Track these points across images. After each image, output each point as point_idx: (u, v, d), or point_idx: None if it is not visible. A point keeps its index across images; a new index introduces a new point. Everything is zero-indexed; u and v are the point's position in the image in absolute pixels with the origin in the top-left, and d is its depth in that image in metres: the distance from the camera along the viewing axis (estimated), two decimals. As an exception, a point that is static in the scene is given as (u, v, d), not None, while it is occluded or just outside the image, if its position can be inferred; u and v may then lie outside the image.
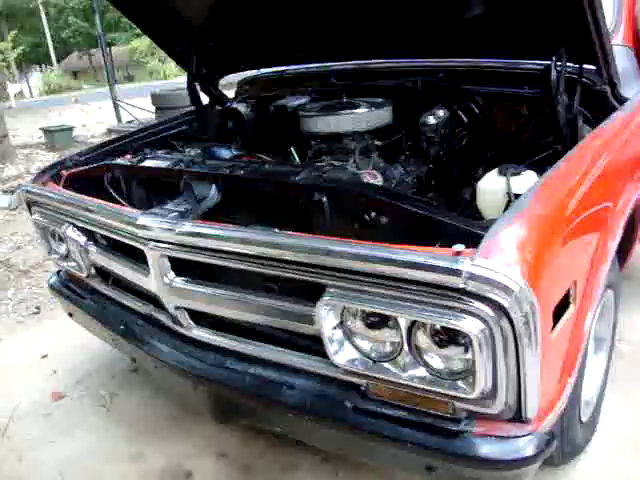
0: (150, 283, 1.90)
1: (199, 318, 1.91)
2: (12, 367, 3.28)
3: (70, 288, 2.57)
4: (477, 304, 1.26)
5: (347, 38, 2.54)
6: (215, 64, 3.02)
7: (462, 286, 1.24)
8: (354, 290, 1.41)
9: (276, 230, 1.53)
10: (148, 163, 2.14)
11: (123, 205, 2.16)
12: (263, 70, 3.31)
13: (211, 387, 1.88)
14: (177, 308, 1.89)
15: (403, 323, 1.41)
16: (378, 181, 1.89)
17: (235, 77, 3.33)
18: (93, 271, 2.33)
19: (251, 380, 1.77)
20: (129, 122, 9.24)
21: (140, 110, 9.27)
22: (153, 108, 8.82)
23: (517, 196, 1.53)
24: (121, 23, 30.55)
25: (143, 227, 1.77)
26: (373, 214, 1.52)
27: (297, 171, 1.72)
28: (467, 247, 1.31)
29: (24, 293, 4.23)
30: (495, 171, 1.68)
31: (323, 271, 1.43)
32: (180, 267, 1.83)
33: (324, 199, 1.58)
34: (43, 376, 3.16)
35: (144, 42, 27.82)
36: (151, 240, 1.77)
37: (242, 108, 3.11)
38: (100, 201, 2.04)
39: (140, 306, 2.13)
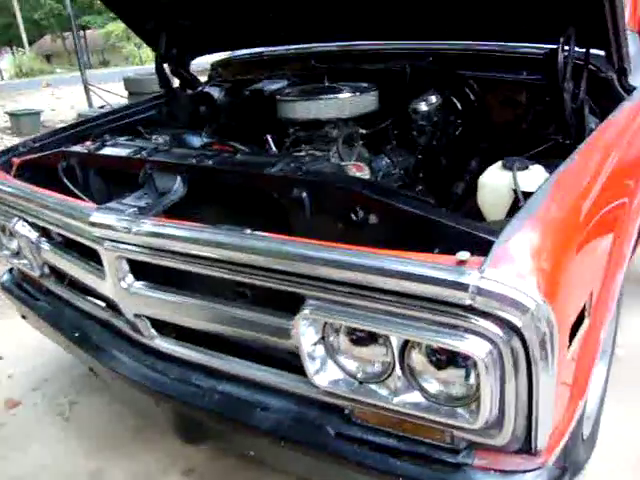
0: (106, 287, 1.68)
1: (162, 326, 1.69)
2: (-37, 371, 3.03)
3: (23, 288, 2.34)
4: (483, 322, 1.07)
5: (329, 17, 2.33)
6: (186, 44, 2.78)
7: (468, 303, 1.04)
8: (337, 303, 1.21)
9: (248, 231, 1.32)
10: (107, 151, 1.91)
11: (78, 198, 1.93)
12: (239, 52, 3.08)
13: (175, 405, 1.66)
14: (137, 316, 1.67)
15: (395, 341, 1.21)
16: (365, 174, 1.69)
17: (209, 60, 3.10)
18: (47, 270, 2.10)
19: (220, 399, 1.56)
20: (101, 107, 8.89)
21: (113, 95, 8.92)
22: (126, 93, 8.50)
23: (525, 194, 1.34)
24: (95, 5, 29.74)
25: (97, 225, 1.55)
26: (360, 213, 1.32)
27: (273, 162, 1.51)
28: (472, 254, 1.12)
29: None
30: (499, 164, 1.48)
31: (301, 280, 1.22)
32: (141, 269, 1.61)
33: (304, 194, 1.37)
34: (-3, 380, 2.92)
35: (120, 26, 27.15)
36: (106, 240, 1.55)
37: (215, 92, 2.88)
38: (50, 193, 1.81)
39: (97, 311, 1.90)
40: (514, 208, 1.39)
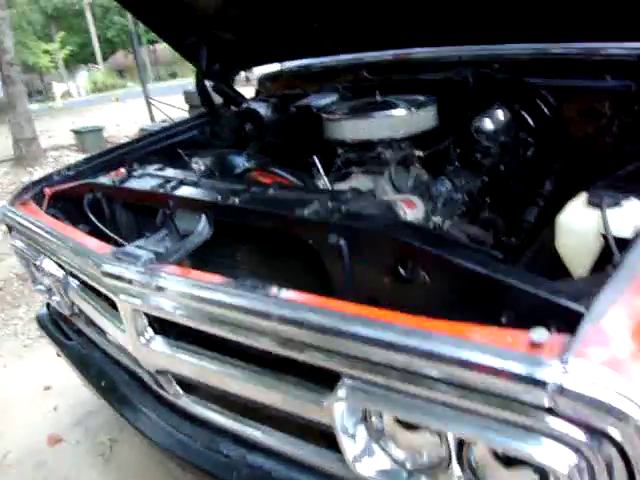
0: (125, 340, 1.50)
1: (191, 384, 1.50)
2: (12, 402, 2.96)
3: (58, 325, 2.20)
4: (568, 427, 0.80)
5: (381, 23, 2.08)
6: (229, 58, 2.60)
7: (546, 405, 0.78)
8: (378, 385, 0.97)
9: (274, 290, 1.09)
10: (132, 183, 1.73)
11: (104, 235, 1.77)
12: (287, 64, 2.87)
13: (200, 474, 1.46)
14: (159, 372, 1.48)
15: (451, 436, 0.95)
16: (418, 211, 1.43)
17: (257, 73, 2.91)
18: (77, 309, 1.95)
19: (249, 473, 1.34)
20: (163, 121, 8.96)
21: (174, 108, 8.95)
22: (187, 106, 8.50)
23: (619, 241, 1.05)
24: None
25: (109, 275, 1.36)
26: (410, 267, 1.07)
27: (308, 199, 1.28)
28: (551, 329, 0.85)
29: (36, 311, 3.91)
30: (582, 200, 1.19)
31: (334, 355, 0.98)
32: (165, 321, 1.42)
33: (341, 242, 1.14)
34: (42, 413, 2.83)
35: (187, 38, 27.66)
36: (120, 292, 1.36)
37: (261, 108, 2.67)
38: (70, 232, 1.64)
39: (124, 359, 1.73)
40: (604, 258, 1.11)
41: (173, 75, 33.83)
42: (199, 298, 1.16)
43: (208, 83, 2.66)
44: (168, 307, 1.26)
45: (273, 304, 1.05)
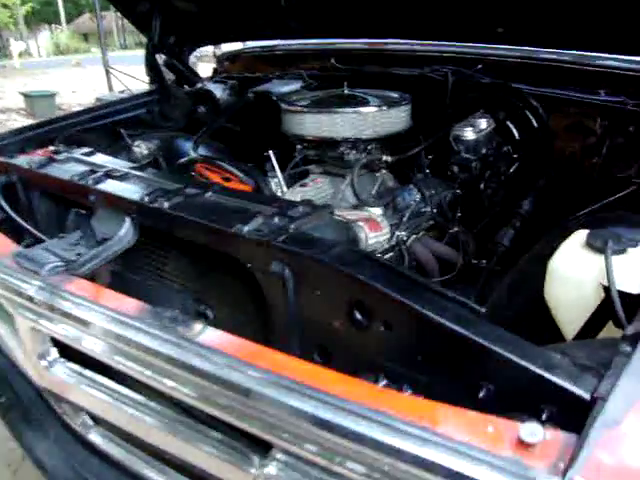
0: (24, 360, 1.25)
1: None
2: None
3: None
4: None
5: (356, 7, 1.86)
6: (185, 31, 2.33)
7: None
8: (313, 464, 0.76)
9: (196, 327, 0.87)
10: (51, 169, 1.47)
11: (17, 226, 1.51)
12: (250, 44, 2.62)
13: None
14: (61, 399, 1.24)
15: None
16: (383, 234, 1.22)
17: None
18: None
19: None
20: (121, 92, 8.52)
21: (135, 80, 8.52)
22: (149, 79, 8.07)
23: (626, 297, 0.85)
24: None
25: (4, 286, 1.11)
26: (368, 311, 0.86)
27: (251, 211, 1.05)
28: (543, 420, 0.66)
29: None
30: (579, 239, 0.99)
31: (260, 423, 0.77)
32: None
33: (286, 272, 0.92)
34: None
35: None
36: (18, 307, 1.12)
37: (217, 90, 2.42)
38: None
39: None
40: (601, 314, 0.91)
41: (141, 44, 32.86)
42: (104, 330, 0.93)
43: (160, 58, 2.38)
44: (70, 333, 1.02)
45: (191, 351, 0.83)
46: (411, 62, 2.00)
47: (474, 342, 0.77)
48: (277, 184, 1.71)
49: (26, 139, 2.04)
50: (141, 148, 2.16)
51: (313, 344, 0.97)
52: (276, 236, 0.95)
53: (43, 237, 1.51)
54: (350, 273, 0.86)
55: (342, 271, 0.87)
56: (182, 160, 1.84)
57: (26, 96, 8.41)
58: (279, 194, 1.68)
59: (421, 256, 1.69)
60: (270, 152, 1.83)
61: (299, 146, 1.84)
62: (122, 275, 1.38)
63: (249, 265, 1.00)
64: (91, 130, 2.23)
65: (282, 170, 1.84)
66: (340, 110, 1.66)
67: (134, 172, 1.38)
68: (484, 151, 1.54)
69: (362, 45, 2.21)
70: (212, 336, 0.88)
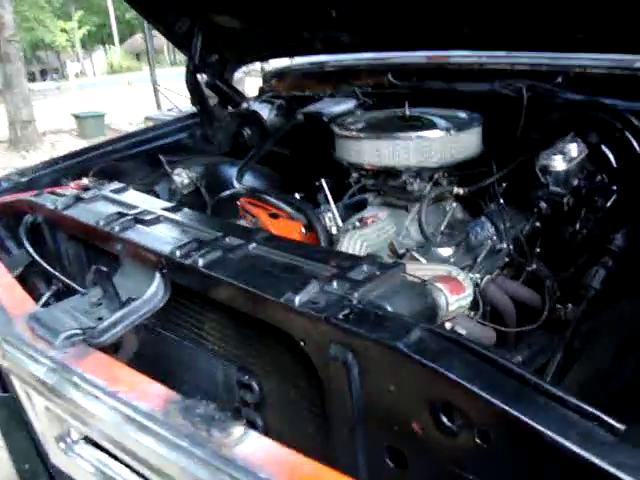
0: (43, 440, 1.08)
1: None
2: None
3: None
4: None
5: (414, 16, 1.64)
6: (228, 49, 2.17)
7: None
8: None
9: (234, 434, 0.67)
10: (75, 210, 1.30)
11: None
12: (298, 60, 2.43)
13: None
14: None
15: None
16: (466, 295, 0.99)
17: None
18: None
19: None
20: (169, 109, 8.52)
21: (182, 97, 8.50)
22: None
23: None
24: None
25: (12, 360, 0.94)
26: (457, 414, 0.65)
27: (304, 272, 0.85)
28: None
29: None
30: None
31: None
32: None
33: (349, 358, 0.71)
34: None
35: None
36: (30, 383, 0.94)
37: (264, 111, 2.25)
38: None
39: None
40: None
41: (189, 61, 33.44)
42: (118, 428, 0.74)
43: (202, 77, 2.22)
44: (83, 422, 0.84)
45: (224, 471, 0.63)
46: (478, 77, 1.77)
47: (611, 476, 0.55)
48: (331, 219, 1.51)
49: (62, 169, 1.91)
50: (182, 177, 2.00)
51: (383, 445, 0.75)
52: (336, 310, 0.75)
53: (71, 284, 1.35)
54: (436, 369, 0.64)
55: (425, 365, 0.65)
56: (224, 194, 1.66)
57: (76, 117, 8.49)
58: (334, 231, 1.48)
59: (497, 300, 1.45)
60: (322, 181, 1.63)
61: (355, 174, 1.64)
62: (155, 332, 1.20)
63: (302, 344, 0.80)
64: (129, 158, 2.09)
65: (337, 200, 1.64)
66: (402, 135, 1.45)
67: (168, 214, 1.20)
68: (576, 183, 1.29)
69: (421, 59, 1.99)
70: (254, 446, 0.68)
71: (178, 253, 0.98)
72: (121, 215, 1.19)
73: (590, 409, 0.59)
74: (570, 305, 1.46)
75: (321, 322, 0.75)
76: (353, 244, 1.19)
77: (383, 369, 0.71)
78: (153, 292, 1.01)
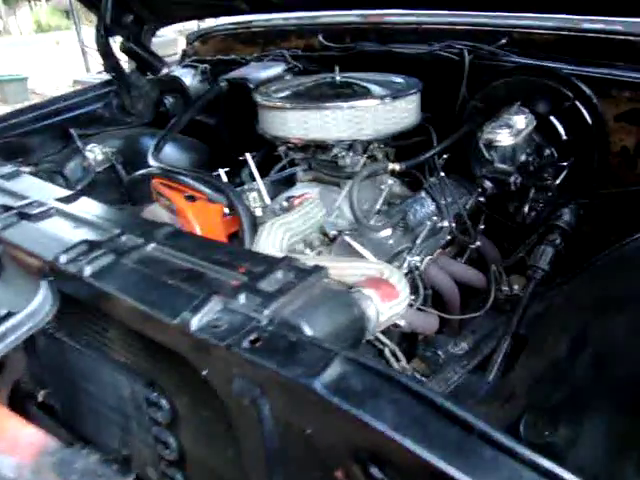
0: None
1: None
2: None
3: None
4: None
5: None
6: (144, 7, 1.95)
7: None
8: None
9: None
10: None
11: None
12: (223, 20, 2.24)
13: None
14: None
15: None
16: (400, 301, 0.85)
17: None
18: None
19: None
20: (99, 72, 8.04)
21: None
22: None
23: None
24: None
25: None
26: (386, 465, 0.53)
27: (208, 286, 0.70)
28: None
29: None
30: None
31: None
32: None
33: (257, 394, 0.58)
34: None
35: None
36: None
37: (187, 76, 2.06)
38: None
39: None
40: None
41: (123, 19, 32.03)
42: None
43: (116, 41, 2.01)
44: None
45: None
46: (416, 38, 1.63)
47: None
48: (255, 199, 1.36)
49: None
50: (95, 153, 1.80)
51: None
52: (240, 337, 0.61)
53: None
54: (359, 417, 0.52)
55: (346, 411, 0.53)
56: (136, 174, 1.48)
57: (-6, 81, 7.89)
58: (258, 213, 1.33)
59: (439, 283, 1.35)
60: (247, 155, 1.47)
61: (282, 147, 1.50)
62: (55, 338, 1.04)
63: (204, 373, 0.66)
64: (36, 132, 1.88)
65: (266, 173, 1.49)
66: (331, 105, 1.30)
67: (61, 206, 1.02)
68: (523, 158, 1.18)
69: (355, 18, 1.83)
70: None
71: (63, 259, 0.82)
72: (4, 209, 1.02)
73: (547, 464, 0.48)
74: (516, 286, 1.37)
75: (222, 351, 0.61)
76: (273, 236, 1.05)
77: (298, 410, 0.58)
78: (39, 304, 0.85)
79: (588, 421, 0.79)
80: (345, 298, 0.72)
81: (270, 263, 0.74)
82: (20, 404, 1.12)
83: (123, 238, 0.86)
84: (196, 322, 0.64)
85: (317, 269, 0.71)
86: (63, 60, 12.63)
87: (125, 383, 0.97)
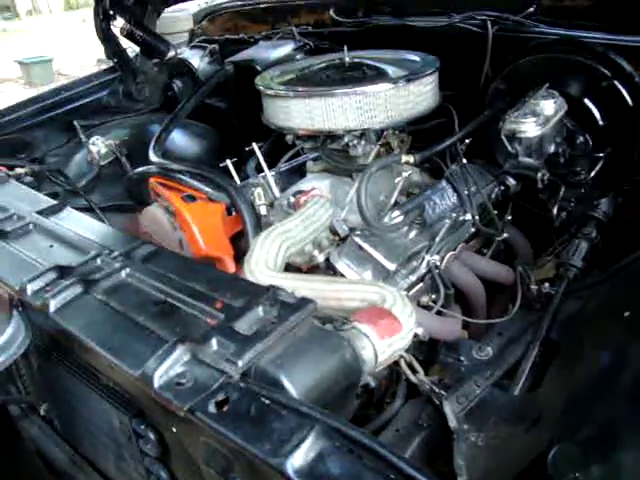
0: None
1: None
2: None
3: None
4: None
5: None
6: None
7: None
8: None
9: None
10: None
11: None
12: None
13: None
14: None
15: None
16: (403, 335, 0.73)
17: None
18: None
19: None
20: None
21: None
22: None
23: None
24: None
25: None
26: None
27: (179, 326, 0.61)
28: None
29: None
30: None
31: None
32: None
33: (225, 464, 0.49)
34: None
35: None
36: None
37: (195, 58, 1.96)
38: None
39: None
40: None
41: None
42: None
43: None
44: None
45: None
46: (434, 9, 1.49)
47: None
48: (260, 196, 1.25)
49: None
50: (98, 146, 1.72)
51: None
52: (207, 397, 0.52)
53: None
54: None
55: None
56: (132, 174, 1.39)
57: (20, 63, 7.84)
58: (263, 211, 1.23)
59: (462, 281, 1.24)
60: (255, 146, 1.36)
61: (289, 136, 1.38)
62: (49, 358, 0.97)
63: (173, 430, 0.57)
64: (39, 125, 1.80)
65: (274, 163, 1.39)
66: (338, 92, 1.18)
67: (41, 221, 0.94)
68: (552, 149, 1.04)
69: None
70: None
71: (30, 289, 0.74)
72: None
73: None
74: (547, 285, 1.25)
75: (185, 415, 0.52)
76: (267, 251, 0.93)
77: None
78: (10, 335, 0.78)
79: (625, 459, 0.68)
80: (335, 340, 0.61)
81: (252, 294, 0.65)
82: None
83: (98, 261, 0.78)
84: (159, 376, 0.55)
85: (304, 303, 0.61)
86: (88, 39, 12.59)
87: (113, 414, 0.90)
